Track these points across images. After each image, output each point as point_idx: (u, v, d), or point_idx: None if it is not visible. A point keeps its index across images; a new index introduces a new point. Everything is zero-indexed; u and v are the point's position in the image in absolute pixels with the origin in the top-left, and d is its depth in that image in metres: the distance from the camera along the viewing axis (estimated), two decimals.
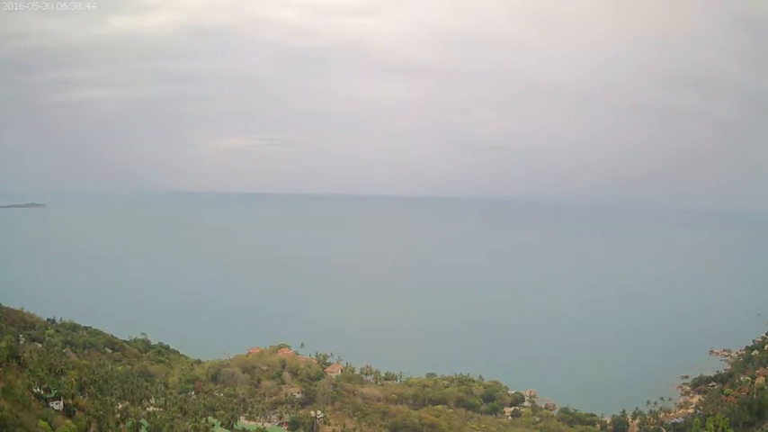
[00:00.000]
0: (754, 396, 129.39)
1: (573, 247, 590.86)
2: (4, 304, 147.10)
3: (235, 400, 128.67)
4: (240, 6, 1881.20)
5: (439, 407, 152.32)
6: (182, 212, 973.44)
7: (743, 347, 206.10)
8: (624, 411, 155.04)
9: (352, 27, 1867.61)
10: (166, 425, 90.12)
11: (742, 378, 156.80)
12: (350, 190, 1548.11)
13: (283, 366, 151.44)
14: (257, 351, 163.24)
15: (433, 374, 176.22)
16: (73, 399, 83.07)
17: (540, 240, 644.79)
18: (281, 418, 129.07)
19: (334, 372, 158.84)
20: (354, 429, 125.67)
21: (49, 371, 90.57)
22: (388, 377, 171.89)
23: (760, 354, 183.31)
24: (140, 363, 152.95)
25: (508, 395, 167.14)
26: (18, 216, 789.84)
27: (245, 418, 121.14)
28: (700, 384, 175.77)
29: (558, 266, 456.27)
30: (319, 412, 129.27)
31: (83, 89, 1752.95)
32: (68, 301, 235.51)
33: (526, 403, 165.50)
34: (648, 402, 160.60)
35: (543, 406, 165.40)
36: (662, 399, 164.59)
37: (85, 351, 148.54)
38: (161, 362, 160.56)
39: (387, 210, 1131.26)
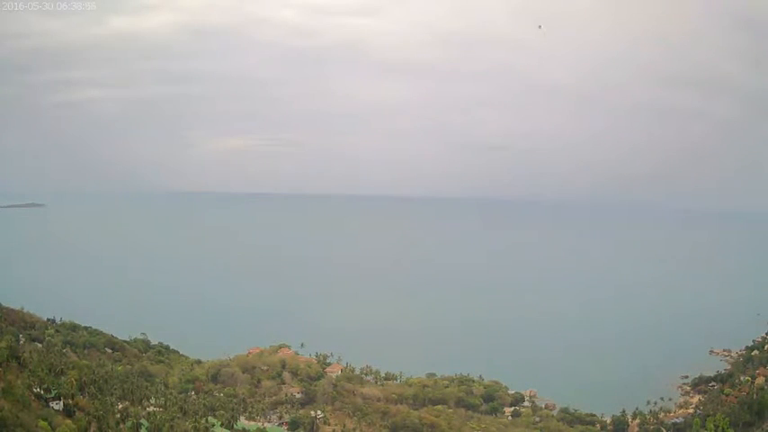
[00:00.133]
0: (754, 396, 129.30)
1: (573, 247, 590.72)
2: (4, 304, 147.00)
3: (235, 400, 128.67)
4: (240, 6, 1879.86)
5: (439, 407, 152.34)
6: (182, 212, 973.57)
7: (743, 347, 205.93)
8: (624, 411, 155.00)
9: (352, 27, 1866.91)
10: (166, 425, 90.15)
11: (742, 378, 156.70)
12: (350, 190, 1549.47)
13: (283, 366, 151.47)
14: (257, 351, 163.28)
15: (433, 374, 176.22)
16: (73, 399, 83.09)
17: (540, 240, 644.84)
18: (281, 418, 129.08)
19: (334, 372, 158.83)
20: (354, 429, 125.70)
21: (49, 371, 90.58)
22: (388, 377, 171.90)
23: (760, 354, 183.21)
24: (140, 363, 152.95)
25: (508, 395, 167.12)
26: (18, 216, 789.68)
27: (245, 418, 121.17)
28: (700, 384, 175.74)
29: (557, 266, 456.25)
30: (319, 412, 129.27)
31: (83, 89, 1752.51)
32: (68, 301, 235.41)
33: (526, 403, 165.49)
34: (648, 402, 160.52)
35: (543, 406, 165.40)
36: (662, 399, 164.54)
37: (85, 351, 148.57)
38: (161, 362, 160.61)
39: (387, 210, 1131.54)
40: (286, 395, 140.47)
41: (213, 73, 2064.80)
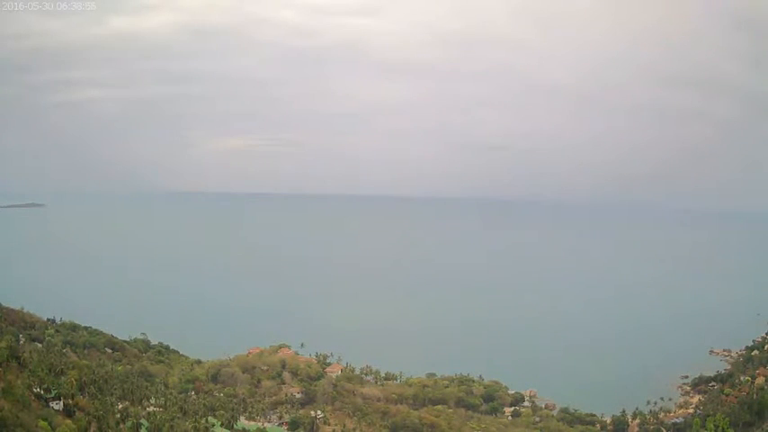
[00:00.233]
0: (754, 396, 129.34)
1: (573, 248, 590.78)
2: (4, 304, 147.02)
3: (235, 400, 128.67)
4: (240, 6, 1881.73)
5: (439, 407, 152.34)
6: (181, 212, 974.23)
7: (743, 347, 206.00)
8: (624, 411, 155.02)
9: (352, 27, 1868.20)
10: (166, 425, 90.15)
11: (742, 378, 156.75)
12: (350, 190, 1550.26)
13: (283, 366, 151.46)
14: (257, 351, 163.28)
15: (433, 374, 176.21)
16: (73, 399, 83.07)
17: (540, 240, 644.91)
18: (281, 418, 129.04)
19: (334, 372, 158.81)
20: (354, 429, 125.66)
21: (49, 371, 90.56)
22: (388, 377, 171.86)
23: (760, 354, 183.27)
24: (140, 363, 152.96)
25: (508, 395, 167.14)
26: (18, 216, 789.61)
27: (245, 418, 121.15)
28: (700, 384, 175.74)
29: (557, 266, 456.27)
30: (319, 412, 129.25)
31: (83, 89, 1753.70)
32: (68, 301, 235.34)
33: (526, 403, 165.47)
34: (648, 402, 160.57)
35: (543, 406, 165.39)
36: (662, 399, 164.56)
37: (85, 351, 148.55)
38: (161, 362, 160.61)
39: (387, 210, 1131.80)
40: (286, 395, 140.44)
41: (213, 73, 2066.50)
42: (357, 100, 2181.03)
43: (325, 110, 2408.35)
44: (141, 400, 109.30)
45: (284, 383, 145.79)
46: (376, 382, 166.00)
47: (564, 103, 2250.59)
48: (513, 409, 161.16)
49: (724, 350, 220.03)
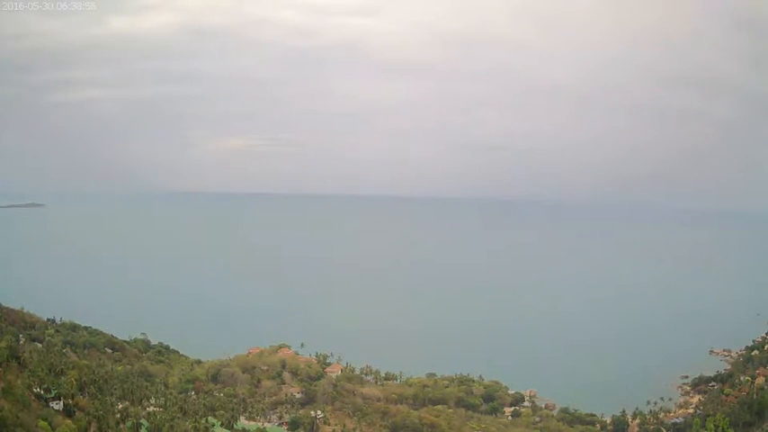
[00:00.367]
0: (754, 396, 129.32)
1: (573, 248, 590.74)
2: (4, 304, 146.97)
3: (235, 400, 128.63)
4: (240, 6, 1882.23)
5: (439, 407, 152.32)
6: (181, 212, 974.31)
7: (743, 347, 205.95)
8: (624, 411, 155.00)
9: (352, 27, 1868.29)
10: (166, 425, 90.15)
11: (742, 378, 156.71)
12: (350, 190, 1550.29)
13: (283, 366, 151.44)
14: (257, 351, 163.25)
15: (433, 374, 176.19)
16: (73, 399, 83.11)
17: (540, 240, 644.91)
18: (281, 418, 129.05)
19: (334, 372, 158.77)
20: (354, 429, 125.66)
21: (49, 371, 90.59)
22: (388, 377, 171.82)
23: (760, 354, 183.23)
24: (140, 363, 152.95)
25: (508, 395, 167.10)
26: (18, 216, 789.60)
27: (245, 418, 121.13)
28: (700, 384, 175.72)
29: (557, 267, 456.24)
30: (319, 412, 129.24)
31: (83, 89, 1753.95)
32: (68, 301, 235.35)
33: (526, 403, 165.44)
34: (648, 402, 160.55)
35: (543, 406, 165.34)
36: (662, 399, 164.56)
37: (85, 351, 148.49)
38: (161, 362, 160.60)
39: (387, 210, 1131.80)
40: (286, 395, 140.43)
41: (213, 73, 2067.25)
42: (357, 100, 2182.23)
43: (325, 110, 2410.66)
44: (141, 400, 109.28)
45: (284, 383, 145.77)
46: (376, 382, 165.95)
47: (564, 103, 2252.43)
48: (513, 409, 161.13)
49: (724, 350, 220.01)
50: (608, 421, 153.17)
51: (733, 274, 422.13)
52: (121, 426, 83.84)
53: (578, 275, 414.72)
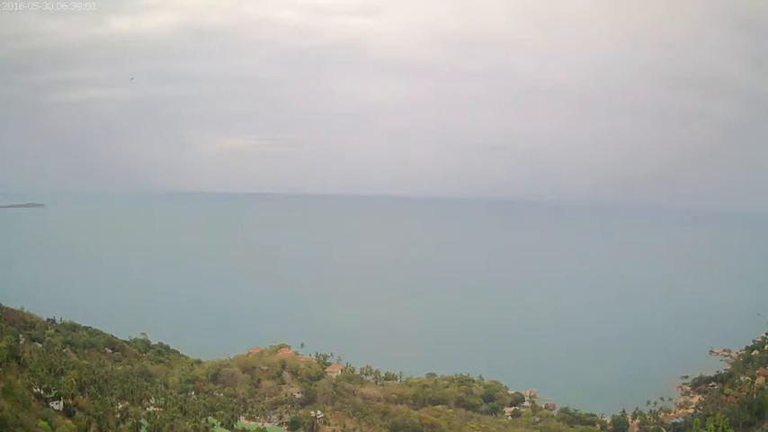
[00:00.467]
0: (754, 396, 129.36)
1: (573, 248, 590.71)
2: (4, 304, 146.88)
3: (235, 400, 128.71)
4: (240, 7, 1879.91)
5: (439, 407, 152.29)
6: (181, 212, 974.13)
7: (743, 347, 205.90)
8: (624, 411, 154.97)
9: (352, 27, 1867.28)
10: (166, 425, 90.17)
11: (742, 378, 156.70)
12: (350, 190, 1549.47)
13: (283, 366, 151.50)
14: (257, 351, 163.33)
15: (433, 374, 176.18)
16: (73, 399, 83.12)
17: (541, 241, 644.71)
18: (281, 418, 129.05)
19: (334, 372, 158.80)
20: (354, 429, 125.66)
21: (49, 371, 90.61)
22: (388, 377, 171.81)
23: (760, 354, 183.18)
24: (140, 363, 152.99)
25: (508, 395, 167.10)
26: (18, 216, 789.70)
27: (245, 418, 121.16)
28: (700, 384, 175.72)
29: (558, 267, 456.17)
30: (319, 412, 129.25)
31: (83, 89, 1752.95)
32: (68, 301, 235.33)
33: (526, 403, 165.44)
34: (648, 402, 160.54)
35: (543, 406, 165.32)
36: (662, 399, 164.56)
37: (85, 351, 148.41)
38: (161, 362, 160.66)
39: (387, 210, 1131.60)
40: (286, 395, 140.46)
41: (213, 73, 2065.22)
42: (357, 100, 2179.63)
43: (325, 110, 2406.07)
44: (141, 400, 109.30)
45: (284, 383, 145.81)
46: (376, 382, 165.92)
47: (565, 103, 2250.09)
48: (513, 409, 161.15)
49: (724, 350, 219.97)
50: (608, 421, 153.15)
51: (733, 275, 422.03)
52: (121, 426, 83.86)
53: (579, 275, 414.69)
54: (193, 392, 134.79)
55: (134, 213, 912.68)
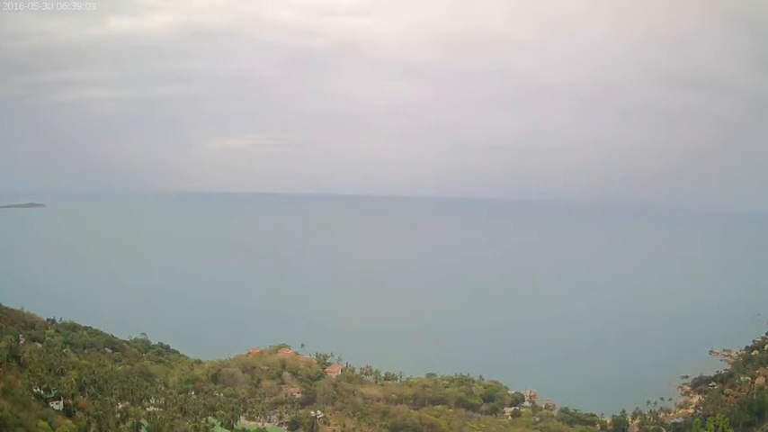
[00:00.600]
0: (754, 396, 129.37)
1: (574, 248, 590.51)
2: (4, 304, 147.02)
3: (235, 400, 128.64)
4: (240, 7, 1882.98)
5: (439, 407, 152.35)
6: (181, 212, 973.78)
7: (743, 347, 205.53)
8: (624, 411, 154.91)
9: (353, 27, 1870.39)
10: (166, 425, 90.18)
11: (742, 378, 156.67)
12: (350, 190, 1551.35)
13: (283, 366, 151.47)
14: (257, 351, 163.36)
15: (433, 374, 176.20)
16: (73, 399, 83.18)
17: (541, 241, 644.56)
18: (281, 418, 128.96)
19: (334, 372, 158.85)
20: (354, 429, 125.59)
21: (49, 371, 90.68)
22: (388, 377, 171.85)
23: (760, 354, 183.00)
24: (140, 363, 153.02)
25: (508, 395, 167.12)
26: (18, 216, 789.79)
27: (245, 418, 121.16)
28: (700, 384, 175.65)
29: (558, 267, 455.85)
30: (319, 412, 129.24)
31: (83, 89, 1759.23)
32: (68, 301, 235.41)
33: (526, 403, 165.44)
34: (648, 402, 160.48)
35: (543, 406, 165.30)
36: (662, 399, 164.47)
37: (85, 351, 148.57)
38: (161, 362, 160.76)
39: (387, 210, 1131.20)
40: (286, 395, 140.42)
41: (213, 73, 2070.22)
42: (357, 100, 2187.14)
43: (326, 110, 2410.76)
44: (141, 400, 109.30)
45: (284, 383, 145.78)
46: (376, 382, 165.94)
47: (566, 103, 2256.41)
48: (513, 409, 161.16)
49: (724, 350, 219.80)
50: (608, 421, 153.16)
51: (733, 275, 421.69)
52: (121, 426, 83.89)
53: (578, 275, 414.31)
54: (193, 392, 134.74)
55: (134, 213, 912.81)
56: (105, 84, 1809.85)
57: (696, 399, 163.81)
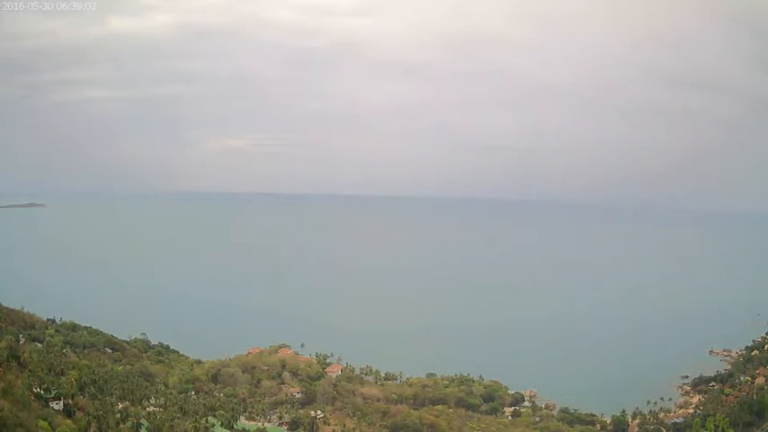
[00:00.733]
0: (754, 396, 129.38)
1: (574, 248, 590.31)
2: (4, 304, 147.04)
3: (235, 400, 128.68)
4: (240, 7, 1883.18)
5: (439, 407, 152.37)
6: (181, 212, 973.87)
7: (743, 347, 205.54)
8: (624, 411, 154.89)
9: (353, 27, 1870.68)
10: (166, 425, 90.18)
11: (742, 378, 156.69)
12: (350, 190, 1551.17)
13: (283, 366, 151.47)
14: (257, 351, 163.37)
15: (433, 374, 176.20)
16: (73, 399, 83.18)
17: (541, 241, 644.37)
18: (281, 418, 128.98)
19: (334, 372, 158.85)
20: (354, 429, 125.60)
21: (49, 371, 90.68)
22: (388, 377, 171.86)
23: (760, 354, 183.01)
24: (140, 363, 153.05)
25: (508, 395, 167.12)
26: (18, 216, 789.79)
27: (245, 418, 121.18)
28: (700, 384, 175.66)
29: (557, 267, 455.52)
30: (319, 412, 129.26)
31: (83, 89, 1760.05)
32: (68, 301, 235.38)
33: (526, 403, 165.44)
34: (648, 402, 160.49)
35: (543, 406, 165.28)
36: (662, 399, 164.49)
37: (85, 351, 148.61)
38: (161, 362, 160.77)
39: (387, 210, 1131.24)
40: (286, 395, 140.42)
41: (213, 73, 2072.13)
42: (357, 100, 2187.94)
43: (326, 110, 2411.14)
44: (141, 400, 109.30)
45: (284, 383, 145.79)
46: (376, 382, 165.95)
47: (565, 103, 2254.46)
48: (513, 409, 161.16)
49: (724, 350, 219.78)
50: (608, 421, 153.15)
51: (733, 275, 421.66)
52: (121, 426, 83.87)
53: (578, 275, 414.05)
54: (193, 392, 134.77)
55: (134, 213, 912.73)
56: (105, 84, 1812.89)
57: (696, 399, 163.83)
